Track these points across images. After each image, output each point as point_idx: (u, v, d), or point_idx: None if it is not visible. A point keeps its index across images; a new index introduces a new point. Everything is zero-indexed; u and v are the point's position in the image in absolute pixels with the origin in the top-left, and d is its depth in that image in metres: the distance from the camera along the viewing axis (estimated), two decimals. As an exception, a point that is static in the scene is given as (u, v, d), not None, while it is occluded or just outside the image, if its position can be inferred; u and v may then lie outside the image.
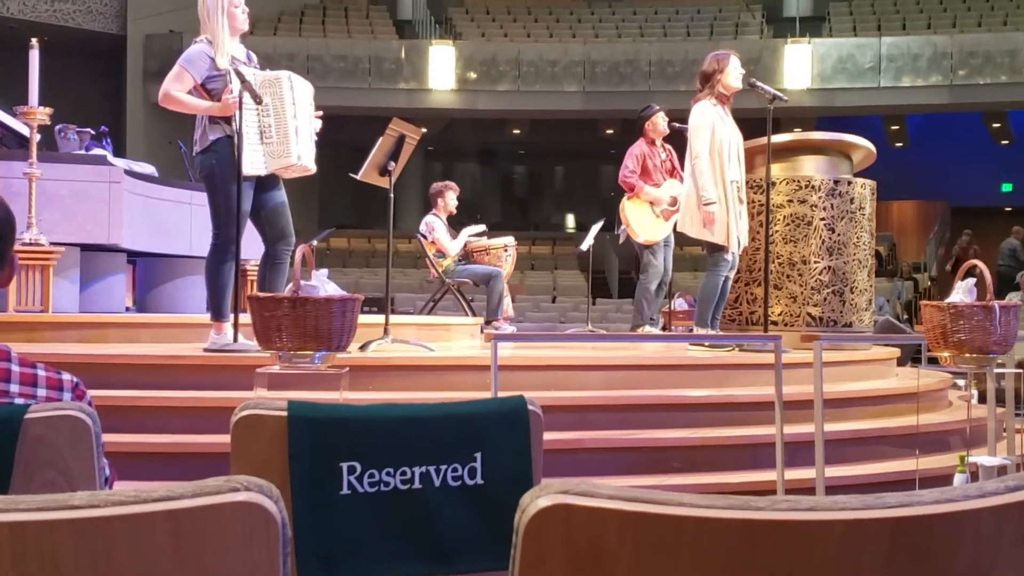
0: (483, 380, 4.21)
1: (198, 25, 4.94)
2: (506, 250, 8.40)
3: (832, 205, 6.46)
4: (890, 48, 18.32)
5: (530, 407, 1.95)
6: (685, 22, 21.08)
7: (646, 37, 20.14)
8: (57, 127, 7.23)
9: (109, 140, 7.96)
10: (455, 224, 8.62)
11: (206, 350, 4.83)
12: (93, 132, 7.62)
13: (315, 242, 11.27)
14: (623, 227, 7.61)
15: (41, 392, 1.81)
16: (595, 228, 9.09)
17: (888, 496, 0.95)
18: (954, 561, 0.96)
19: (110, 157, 7.15)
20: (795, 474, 4.37)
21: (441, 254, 8.21)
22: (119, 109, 18.23)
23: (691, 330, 6.56)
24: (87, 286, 6.93)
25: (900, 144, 22.07)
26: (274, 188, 4.99)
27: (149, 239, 7.15)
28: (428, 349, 5.37)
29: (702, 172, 6.01)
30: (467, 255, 8.32)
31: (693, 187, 6.09)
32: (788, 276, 6.45)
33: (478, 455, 1.88)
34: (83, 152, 7.24)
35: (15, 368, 1.80)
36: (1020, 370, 4.21)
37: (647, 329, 7.31)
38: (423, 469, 1.85)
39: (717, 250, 6.08)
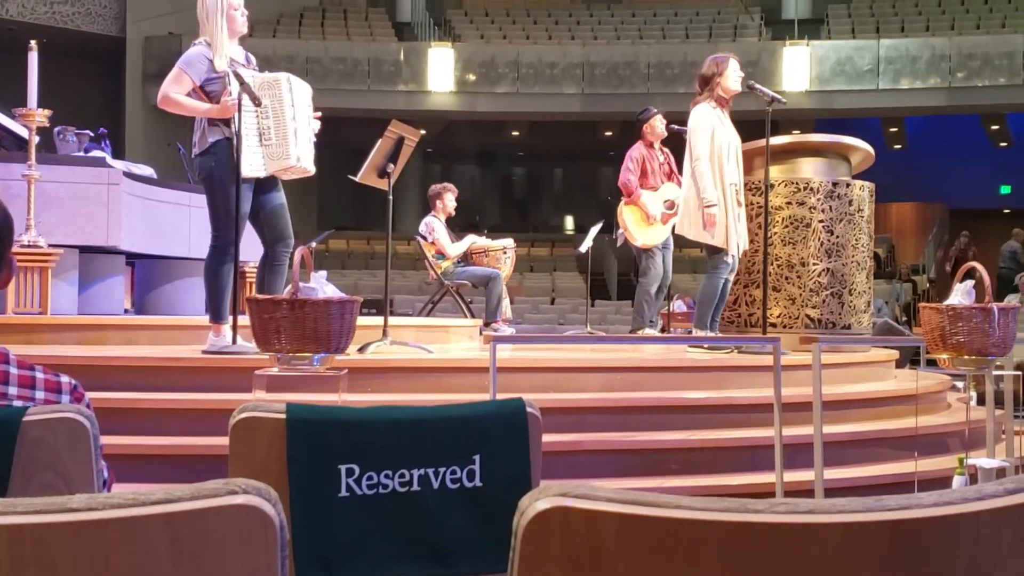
0: (482, 382, 4.21)
1: (197, 27, 4.94)
2: (505, 252, 8.41)
3: (831, 207, 6.47)
4: (888, 50, 18.33)
5: (529, 409, 1.94)
6: (684, 24, 21.10)
7: (645, 39, 20.15)
8: (56, 129, 7.23)
9: (108, 142, 7.96)
10: (453, 226, 8.62)
11: (205, 352, 4.83)
12: (92, 134, 7.62)
13: (314, 244, 11.28)
14: (621, 230, 7.61)
15: (39, 394, 1.81)
16: (594, 230, 9.09)
17: (887, 498, 0.95)
18: (953, 564, 0.96)
19: (109, 159, 7.15)
20: (794, 476, 4.37)
21: (440, 255, 8.21)
22: (118, 111, 18.23)
23: (690, 332, 6.57)
24: (86, 288, 6.93)
25: (899, 146, 22.08)
26: (273, 190, 4.99)
27: (148, 241, 7.15)
28: (427, 351, 5.37)
29: (703, 174, 6.00)
30: (466, 257, 8.33)
31: (692, 190, 6.09)
32: (787, 278, 6.45)
33: (477, 457, 1.88)
34: (82, 154, 7.24)
35: (13, 370, 1.80)
36: (1019, 372, 4.20)
37: (647, 332, 7.31)
38: (422, 471, 1.85)
39: (717, 252, 6.09)
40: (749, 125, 7.02)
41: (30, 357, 1.91)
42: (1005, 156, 21.97)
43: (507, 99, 18.91)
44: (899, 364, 7.21)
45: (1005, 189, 22.96)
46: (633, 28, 21.00)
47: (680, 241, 7.27)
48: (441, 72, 18.89)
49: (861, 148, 6.70)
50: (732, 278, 6.24)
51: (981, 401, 5.46)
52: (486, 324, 7.68)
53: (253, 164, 4.78)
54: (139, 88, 18.18)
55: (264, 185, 4.93)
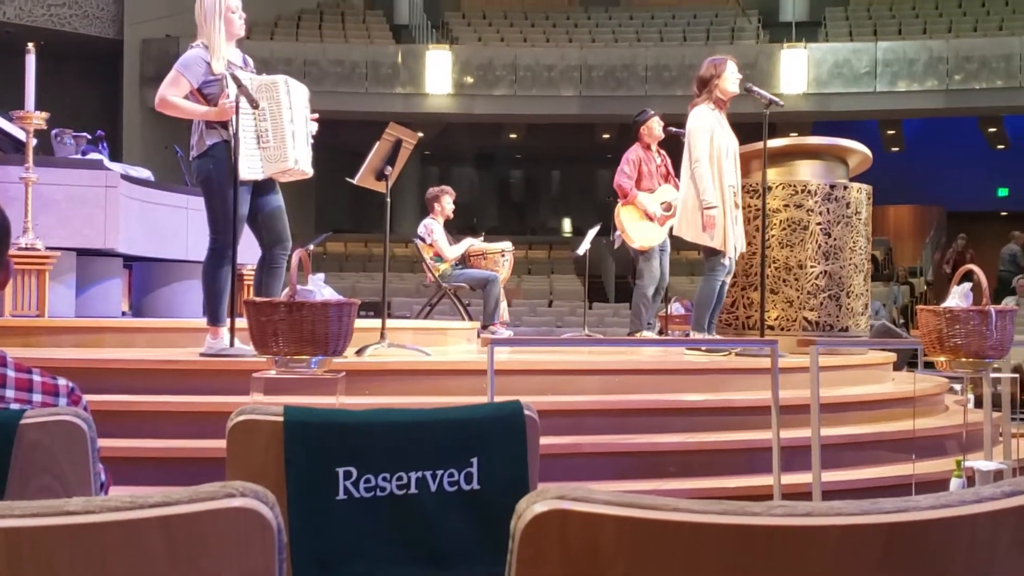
0: (479, 385, 4.20)
1: (195, 30, 4.94)
2: (503, 255, 8.41)
3: (828, 210, 6.47)
4: (886, 53, 18.35)
5: (526, 412, 1.94)
6: (681, 27, 21.11)
7: (642, 42, 20.16)
8: (53, 132, 7.23)
9: (105, 145, 7.95)
10: (451, 228, 8.62)
11: (202, 355, 4.82)
12: (89, 137, 7.62)
13: (312, 246, 11.28)
14: (618, 233, 7.62)
15: (37, 397, 1.81)
16: (591, 232, 9.10)
17: (884, 501, 0.95)
18: (950, 566, 0.96)
19: (106, 162, 7.14)
20: (791, 479, 4.37)
21: (438, 258, 8.21)
22: (115, 114, 18.22)
23: (688, 335, 6.57)
24: (83, 291, 6.92)
25: (896, 149, 22.10)
26: (271, 192, 4.99)
27: (145, 243, 7.15)
28: (424, 353, 5.37)
29: (703, 176, 5.99)
30: (464, 259, 8.33)
31: (690, 191, 6.09)
32: (784, 280, 6.46)
33: (474, 460, 1.88)
34: (79, 157, 7.23)
35: (10, 373, 1.80)
36: (1016, 374, 4.21)
37: (644, 334, 7.31)
38: (419, 474, 1.84)
39: (714, 255, 6.09)
40: (747, 127, 7.02)
41: (27, 360, 1.90)
42: (1002, 158, 21.99)
43: (505, 101, 18.91)
44: (897, 367, 7.21)
45: (1002, 191, 22.98)
46: (631, 30, 21.02)
47: (677, 243, 7.26)
48: (439, 75, 18.89)
49: (858, 151, 6.70)
50: (729, 280, 6.24)
51: (979, 403, 5.45)
52: (484, 327, 7.68)
53: (251, 167, 4.78)
54: (137, 91, 18.17)
55: (262, 187, 4.93)
